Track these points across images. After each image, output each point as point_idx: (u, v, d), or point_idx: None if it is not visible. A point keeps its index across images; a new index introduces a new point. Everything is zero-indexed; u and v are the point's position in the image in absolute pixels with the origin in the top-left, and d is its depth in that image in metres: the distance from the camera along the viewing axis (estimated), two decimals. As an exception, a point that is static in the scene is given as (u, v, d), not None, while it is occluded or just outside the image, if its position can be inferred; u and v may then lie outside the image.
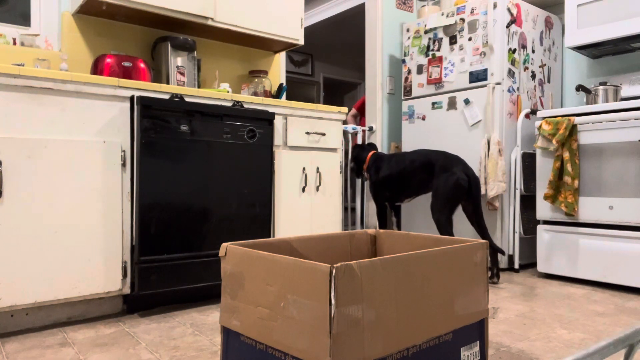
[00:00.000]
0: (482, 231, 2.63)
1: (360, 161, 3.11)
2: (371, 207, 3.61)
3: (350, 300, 0.93)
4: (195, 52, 2.59)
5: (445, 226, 2.58)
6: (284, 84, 3.13)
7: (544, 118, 2.81)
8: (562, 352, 1.60)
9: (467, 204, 2.68)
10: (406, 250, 1.47)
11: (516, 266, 2.96)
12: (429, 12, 3.55)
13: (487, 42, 3.01)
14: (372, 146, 3.15)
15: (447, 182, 2.59)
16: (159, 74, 2.56)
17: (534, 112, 3.06)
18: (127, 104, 1.98)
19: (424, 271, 1.10)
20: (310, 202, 2.55)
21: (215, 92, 2.27)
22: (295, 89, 6.95)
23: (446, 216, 2.58)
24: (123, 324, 1.88)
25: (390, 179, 2.85)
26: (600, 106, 2.59)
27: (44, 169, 1.77)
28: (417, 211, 3.42)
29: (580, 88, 2.89)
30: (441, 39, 3.30)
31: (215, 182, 2.14)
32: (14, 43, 2.32)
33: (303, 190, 2.52)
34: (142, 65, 2.36)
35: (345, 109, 2.75)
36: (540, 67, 3.25)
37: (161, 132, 1.99)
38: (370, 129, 3.70)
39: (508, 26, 3.00)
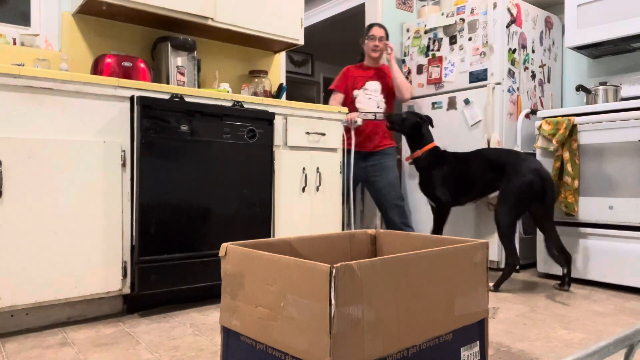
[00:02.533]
0: (555, 239, 2.46)
1: (414, 134, 2.82)
2: (371, 208, 3.60)
3: (350, 300, 0.93)
4: (195, 52, 2.59)
5: (507, 234, 2.40)
6: (284, 84, 3.13)
7: (544, 118, 2.81)
8: (562, 352, 1.60)
9: (538, 209, 2.46)
10: (406, 251, 1.47)
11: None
12: (429, 12, 3.55)
13: (487, 42, 3.01)
14: (431, 121, 2.88)
15: (518, 186, 2.40)
16: (159, 74, 2.56)
17: (534, 112, 3.06)
18: (127, 104, 1.98)
19: (424, 271, 1.10)
20: (310, 202, 2.55)
21: (215, 92, 2.27)
22: (295, 89, 6.94)
23: (511, 221, 2.40)
24: (123, 324, 1.88)
25: (452, 178, 2.67)
26: (600, 106, 2.59)
27: (44, 169, 1.77)
28: (419, 211, 3.42)
29: (580, 88, 2.89)
30: (441, 39, 3.30)
31: (215, 182, 2.14)
32: (14, 43, 2.32)
33: (303, 190, 2.52)
34: (142, 65, 2.36)
35: (345, 109, 2.75)
36: (540, 67, 3.25)
37: (161, 132, 1.99)
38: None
39: (508, 26, 3.00)
